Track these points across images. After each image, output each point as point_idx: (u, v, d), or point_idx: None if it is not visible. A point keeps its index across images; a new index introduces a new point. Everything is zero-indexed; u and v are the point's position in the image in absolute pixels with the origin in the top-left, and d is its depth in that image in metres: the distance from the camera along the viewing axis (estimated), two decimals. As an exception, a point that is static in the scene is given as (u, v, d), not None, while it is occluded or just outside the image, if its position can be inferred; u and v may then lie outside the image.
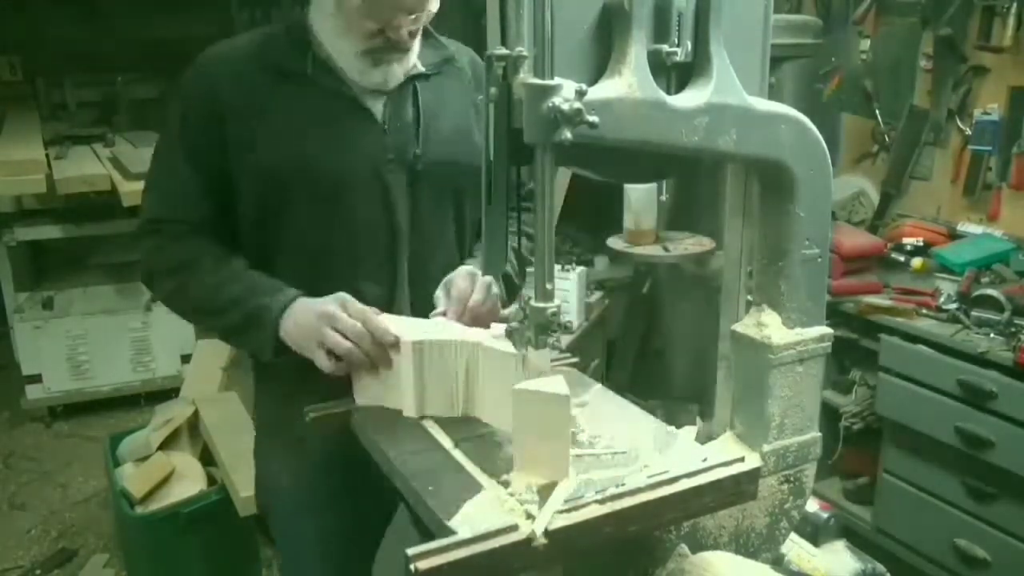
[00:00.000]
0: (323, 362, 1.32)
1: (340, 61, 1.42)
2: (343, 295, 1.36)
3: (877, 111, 3.37)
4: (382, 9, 1.34)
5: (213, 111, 1.41)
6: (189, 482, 2.74)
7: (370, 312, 1.33)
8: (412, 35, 1.42)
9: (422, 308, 1.46)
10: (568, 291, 2.93)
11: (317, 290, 1.39)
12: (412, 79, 1.48)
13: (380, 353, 1.31)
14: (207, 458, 2.86)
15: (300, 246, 1.46)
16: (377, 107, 1.46)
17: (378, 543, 1.67)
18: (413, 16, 1.37)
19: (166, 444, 2.87)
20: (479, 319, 1.39)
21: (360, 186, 1.44)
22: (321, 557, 1.58)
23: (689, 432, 1.25)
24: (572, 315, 2.93)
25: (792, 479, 1.23)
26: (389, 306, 1.45)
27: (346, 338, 1.30)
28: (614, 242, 3.25)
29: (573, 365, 1.48)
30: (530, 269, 1.25)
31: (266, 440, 1.65)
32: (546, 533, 0.95)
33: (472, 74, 1.57)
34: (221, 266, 1.44)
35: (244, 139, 1.41)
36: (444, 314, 1.39)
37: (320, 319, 1.33)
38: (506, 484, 1.07)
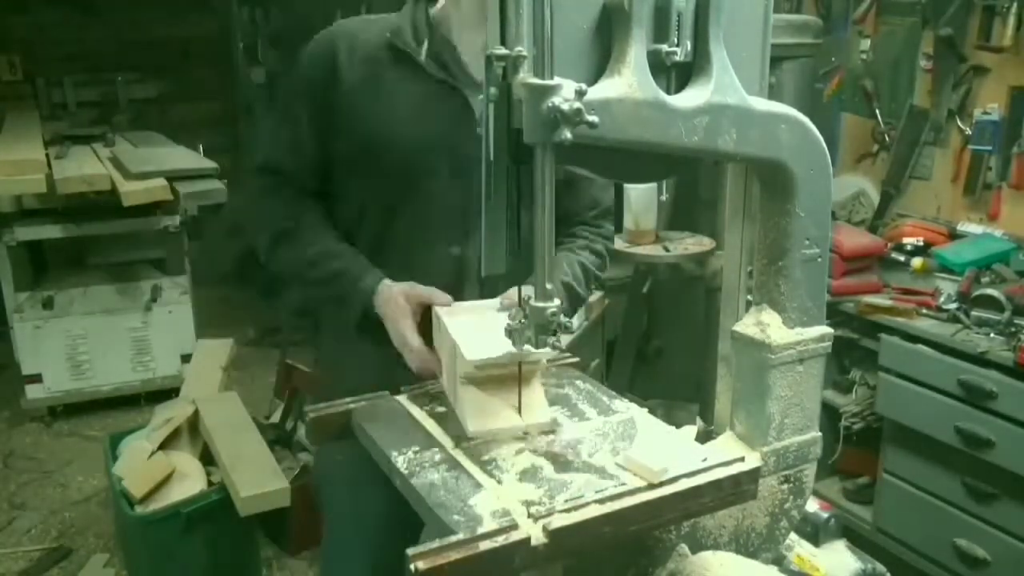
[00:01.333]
0: None
1: (465, 54, 1.50)
2: (412, 287, 1.46)
3: (877, 111, 3.37)
4: None
5: (330, 75, 1.53)
6: (189, 482, 2.74)
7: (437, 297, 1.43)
8: None
9: (491, 294, 1.51)
10: (568, 291, 2.93)
11: (392, 267, 1.53)
12: None
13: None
14: (207, 458, 2.86)
15: (379, 223, 1.57)
16: (480, 105, 1.49)
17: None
18: None
19: (166, 444, 2.87)
20: None
21: (445, 175, 1.52)
22: (368, 533, 1.62)
23: (689, 432, 1.25)
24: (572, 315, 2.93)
25: (792, 479, 1.23)
26: (460, 290, 1.53)
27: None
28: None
29: (573, 365, 1.48)
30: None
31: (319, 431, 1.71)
32: (546, 533, 0.95)
33: None
34: (319, 239, 1.57)
35: (351, 107, 1.52)
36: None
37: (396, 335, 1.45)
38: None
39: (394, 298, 1.47)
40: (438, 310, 1.40)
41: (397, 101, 1.53)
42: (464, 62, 1.52)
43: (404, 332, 1.43)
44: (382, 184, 1.55)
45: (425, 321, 1.45)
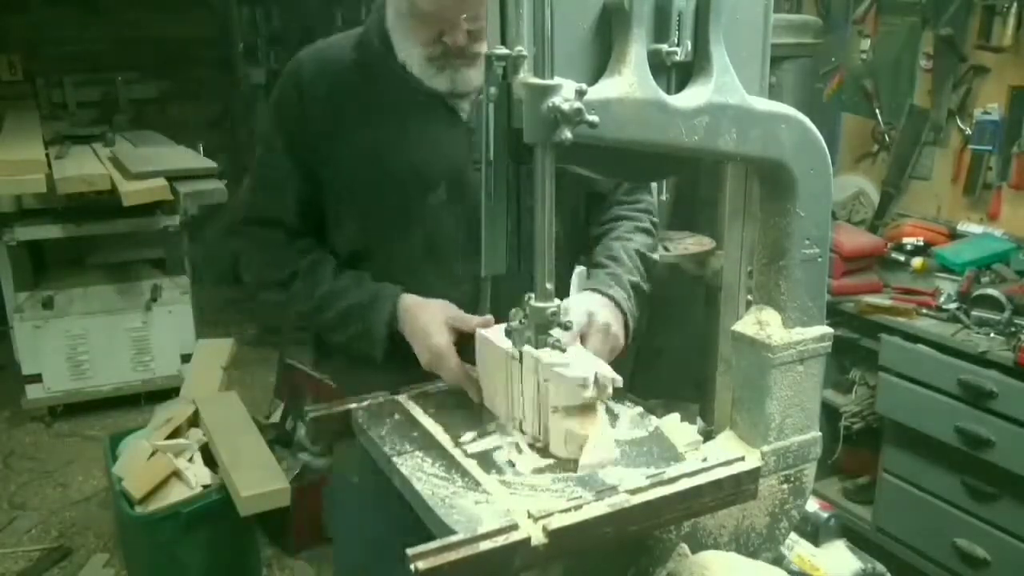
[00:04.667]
0: None
1: (412, 67, 1.43)
2: (447, 307, 1.40)
3: (877, 111, 3.37)
4: (428, 15, 1.35)
5: (302, 110, 1.47)
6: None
7: (475, 323, 1.35)
8: (475, 37, 1.38)
9: (503, 315, 1.43)
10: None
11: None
12: None
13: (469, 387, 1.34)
14: (207, 458, 2.86)
15: (379, 246, 1.50)
16: (464, 106, 1.46)
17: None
18: (464, 17, 1.34)
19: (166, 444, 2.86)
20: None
21: (444, 185, 1.46)
22: (375, 552, 1.58)
23: (673, 420, 1.25)
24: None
25: (792, 479, 1.23)
26: (472, 311, 1.45)
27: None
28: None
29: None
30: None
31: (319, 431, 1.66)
32: (546, 533, 0.95)
33: None
34: (319, 280, 1.50)
35: (330, 140, 1.45)
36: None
37: (430, 354, 1.37)
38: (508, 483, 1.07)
39: (426, 309, 1.40)
40: (485, 333, 1.31)
41: (377, 121, 1.46)
42: (408, 68, 1.43)
43: (439, 345, 1.36)
44: (377, 210, 1.48)
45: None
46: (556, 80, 0.93)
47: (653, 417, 1.28)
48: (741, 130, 1.06)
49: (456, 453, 1.18)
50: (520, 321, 1.11)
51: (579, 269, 1.46)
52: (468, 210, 1.44)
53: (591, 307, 1.39)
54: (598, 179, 1.58)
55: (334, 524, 1.75)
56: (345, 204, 1.51)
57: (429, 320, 1.39)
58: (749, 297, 1.25)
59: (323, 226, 1.55)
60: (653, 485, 1.04)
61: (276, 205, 1.53)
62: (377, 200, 1.47)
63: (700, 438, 1.23)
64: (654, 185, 1.66)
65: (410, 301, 1.43)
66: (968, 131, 3.05)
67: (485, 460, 1.16)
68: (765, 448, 1.18)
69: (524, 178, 1.05)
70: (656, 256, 1.62)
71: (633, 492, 1.02)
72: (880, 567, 1.31)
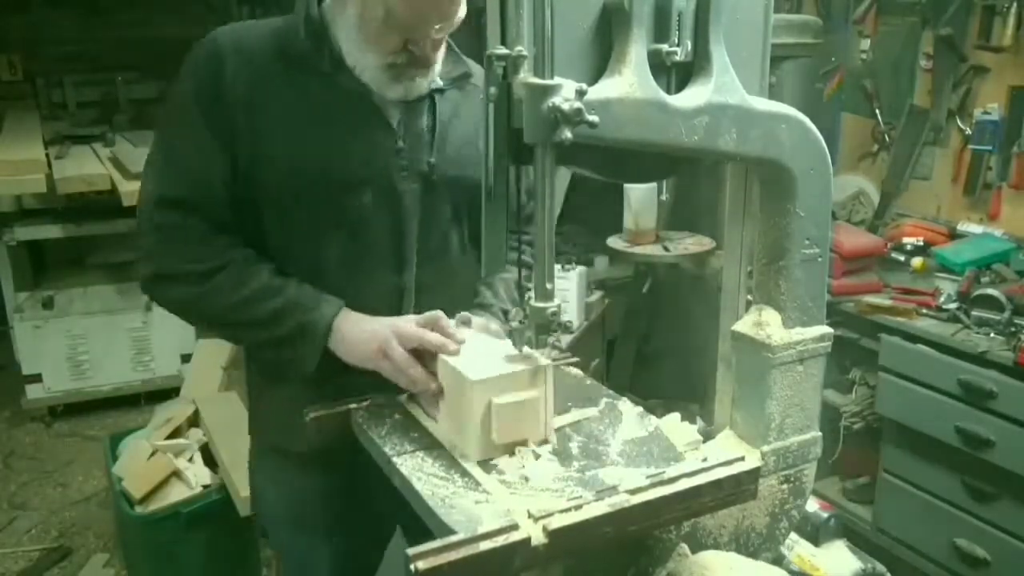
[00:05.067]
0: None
1: (363, 74, 1.37)
2: (396, 324, 1.33)
3: (877, 111, 3.37)
4: (406, 24, 1.30)
5: (220, 96, 1.34)
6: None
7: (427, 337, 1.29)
8: (435, 48, 1.38)
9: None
10: (568, 291, 2.93)
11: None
12: (431, 91, 1.44)
13: (425, 390, 1.29)
14: (207, 458, 2.86)
15: (303, 251, 1.41)
16: (394, 112, 1.42)
17: (374, 570, 1.66)
18: (438, 27, 1.33)
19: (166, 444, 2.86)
20: None
21: (371, 191, 1.40)
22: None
23: (673, 419, 1.25)
24: (572, 315, 2.93)
25: (792, 479, 1.23)
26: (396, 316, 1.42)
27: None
28: (614, 242, 3.25)
29: (573, 365, 1.48)
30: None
31: (263, 461, 1.60)
32: (546, 533, 0.95)
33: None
34: (250, 275, 1.36)
35: (249, 130, 1.34)
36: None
37: (377, 355, 1.31)
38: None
39: (375, 319, 1.35)
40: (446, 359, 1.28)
41: (301, 120, 1.36)
42: (359, 77, 1.37)
43: (394, 331, 1.31)
44: (299, 212, 1.38)
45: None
46: (556, 80, 0.93)
47: (653, 417, 1.28)
48: (741, 130, 1.06)
49: (456, 453, 1.18)
50: (520, 321, 1.11)
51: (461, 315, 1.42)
52: (394, 218, 1.42)
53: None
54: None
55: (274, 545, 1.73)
56: (265, 202, 1.39)
57: (378, 321, 1.35)
58: (749, 297, 1.25)
59: (244, 221, 1.40)
60: (653, 485, 1.04)
61: (196, 189, 1.35)
62: (298, 201, 1.38)
63: (700, 438, 1.23)
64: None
65: (355, 314, 1.37)
66: (968, 131, 3.05)
67: (485, 459, 1.16)
68: (765, 448, 1.18)
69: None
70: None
71: (633, 492, 1.02)
72: (880, 567, 1.31)
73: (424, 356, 1.30)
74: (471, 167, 1.41)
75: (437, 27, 1.32)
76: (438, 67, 1.43)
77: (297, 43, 1.37)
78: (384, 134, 1.41)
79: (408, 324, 1.33)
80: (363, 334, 1.34)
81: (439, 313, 1.33)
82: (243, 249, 1.39)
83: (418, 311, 1.40)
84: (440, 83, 1.45)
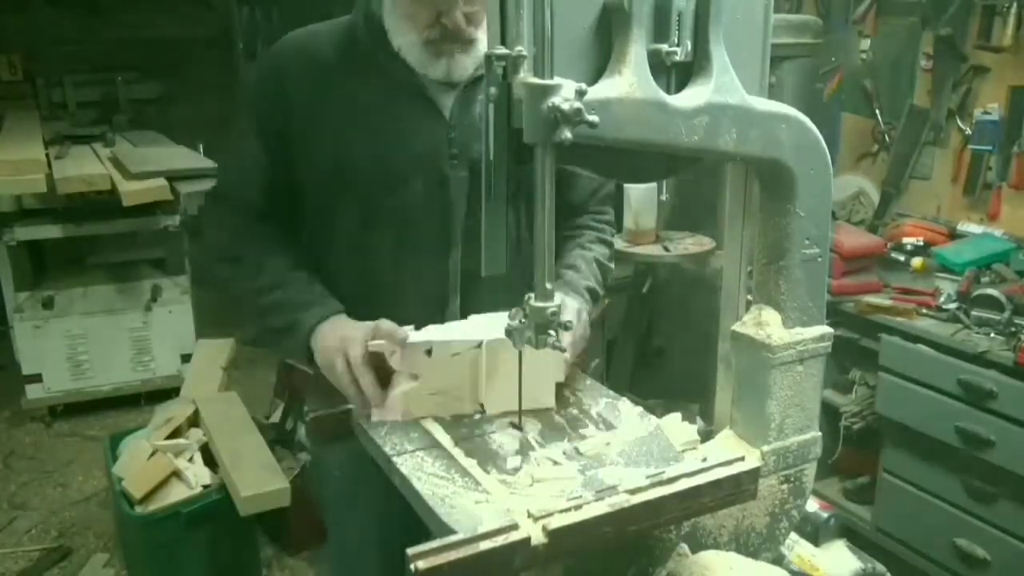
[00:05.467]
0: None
1: (407, 54, 1.42)
2: (379, 323, 1.32)
3: (877, 111, 3.37)
4: None
5: (280, 96, 1.45)
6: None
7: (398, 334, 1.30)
8: (471, 21, 1.39)
9: (471, 313, 1.44)
10: (568, 291, 2.92)
11: (368, 285, 1.46)
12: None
13: (370, 398, 1.29)
14: (207, 458, 2.86)
15: (352, 241, 1.49)
16: (446, 101, 1.46)
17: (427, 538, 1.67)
18: None
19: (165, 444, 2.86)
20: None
21: (421, 179, 1.45)
22: (370, 549, 1.59)
23: (674, 420, 1.25)
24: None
25: (792, 479, 1.23)
26: (442, 306, 1.47)
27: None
28: (614, 242, 3.24)
29: (573, 364, 1.48)
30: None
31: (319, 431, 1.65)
32: (546, 533, 0.95)
33: None
34: (269, 266, 1.48)
35: (306, 127, 1.44)
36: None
37: (336, 354, 1.32)
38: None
39: (355, 324, 1.37)
40: (421, 336, 1.31)
41: (358, 114, 1.45)
42: (408, 60, 1.43)
43: (353, 353, 1.30)
44: (353, 202, 1.48)
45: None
46: (556, 80, 0.93)
47: (653, 417, 1.28)
48: (741, 130, 1.06)
49: (456, 453, 1.18)
50: (520, 321, 1.11)
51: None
52: (443, 204, 1.47)
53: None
54: (574, 189, 1.63)
55: (327, 520, 1.75)
56: (321, 194, 1.50)
57: (353, 325, 1.37)
58: (749, 297, 1.25)
59: (294, 213, 1.54)
60: (653, 485, 1.04)
61: (242, 185, 1.53)
62: (353, 192, 1.47)
63: (699, 438, 1.23)
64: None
65: (343, 318, 1.40)
66: (968, 131, 3.05)
67: (485, 459, 1.16)
68: (765, 448, 1.18)
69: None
70: (612, 265, 1.70)
71: (633, 492, 1.02)
72: (880, 567, 1.31)
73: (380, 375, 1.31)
74: None
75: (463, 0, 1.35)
76: (483, 47, 1.44)
77: (354, 40, 1.45)
78: (436, 123, 1.45)
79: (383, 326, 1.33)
80: (334, 340, 1.35)
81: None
82: (273, 242, 1.51)
83: (463, 297, 1.48)
84: None
